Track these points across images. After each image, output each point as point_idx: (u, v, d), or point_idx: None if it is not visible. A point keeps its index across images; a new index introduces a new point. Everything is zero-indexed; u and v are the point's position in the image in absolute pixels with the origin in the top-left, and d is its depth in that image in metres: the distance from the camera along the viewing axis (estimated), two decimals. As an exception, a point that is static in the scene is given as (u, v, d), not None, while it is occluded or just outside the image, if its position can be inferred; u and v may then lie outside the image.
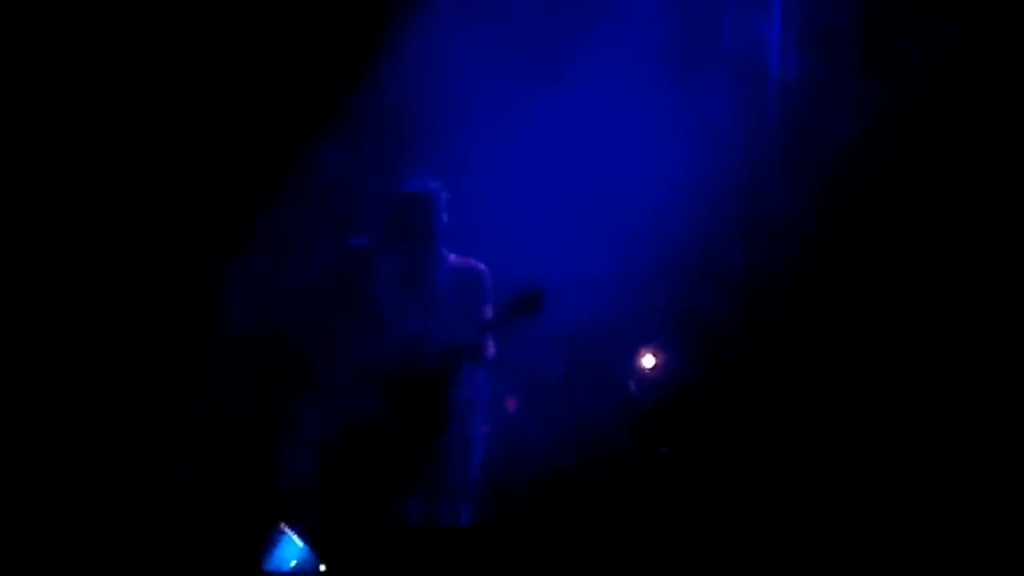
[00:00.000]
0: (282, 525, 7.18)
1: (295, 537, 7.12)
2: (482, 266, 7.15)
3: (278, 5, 8.63)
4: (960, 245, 8.52)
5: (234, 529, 7.69)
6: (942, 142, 8.54)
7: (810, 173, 8.73)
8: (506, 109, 8.68)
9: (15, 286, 8.31)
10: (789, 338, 8.72)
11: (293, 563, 7.08)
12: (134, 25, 8.47)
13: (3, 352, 8.25)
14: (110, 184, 8.48)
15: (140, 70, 8.49)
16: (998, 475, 8.14)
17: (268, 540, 7.16)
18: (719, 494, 8.46)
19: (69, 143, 8.42)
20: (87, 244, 8.46)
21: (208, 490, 8.11)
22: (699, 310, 8.85)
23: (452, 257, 7.13)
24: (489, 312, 7.04)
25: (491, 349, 7.04)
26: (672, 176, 8.69)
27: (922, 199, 8.58)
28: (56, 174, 8.40)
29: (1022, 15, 8.44)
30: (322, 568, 7.01)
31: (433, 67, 8.68)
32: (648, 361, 8.82)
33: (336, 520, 7.16)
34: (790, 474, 8.47)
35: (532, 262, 8.31)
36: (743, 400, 8.70)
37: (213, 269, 8.50)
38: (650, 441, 8.73)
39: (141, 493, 8.09)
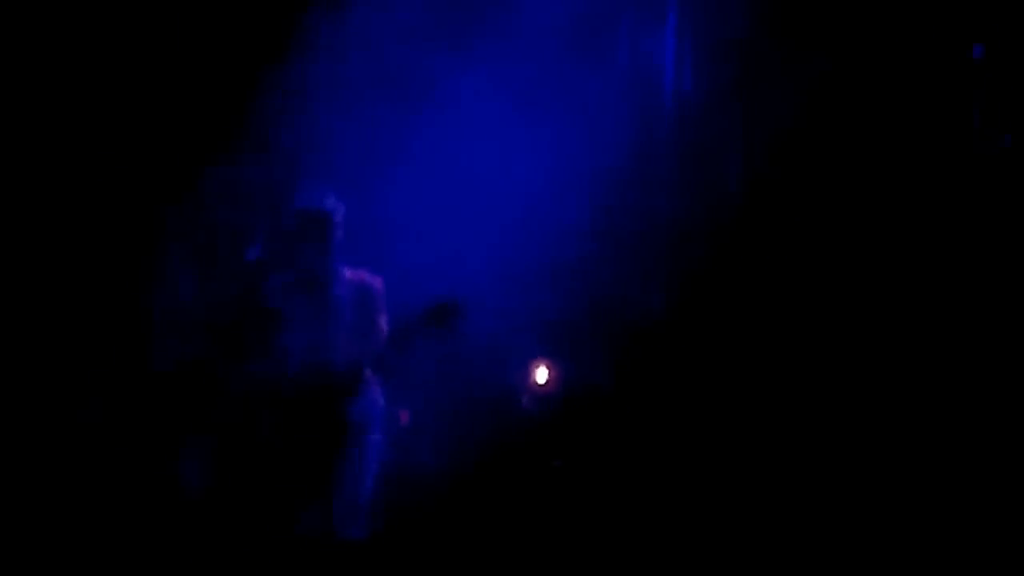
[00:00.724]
0: None
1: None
2: (376, 279, 7.13)
3: (169, 27, 8.59)
4: (846, 253, 8.65)
5: (132, 537, 7.66)
6: (829, 157, 8.67)
7: (703, 187, 8.82)
8: (401, 123, 8.68)
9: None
10: (682, 347, 8.78)
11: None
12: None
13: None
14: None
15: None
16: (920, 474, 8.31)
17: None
18: (613, 507, 8.50)
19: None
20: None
21: (106, 495, 8.04)
22: (594, 323, 8.89)
23: (347, 271, 7.11)
24: (384, 324, 7.03)
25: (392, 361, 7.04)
26: (566, 191, 8.74)
27: (811, 211, 8.69)
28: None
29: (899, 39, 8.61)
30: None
31: (329, 80, 8.69)
32: (541, 375, 8.83)
33: (233, 532, 7.10)
34: (683, 486, 8.53)
35: (426, 275, 8.35)
36: (638, 411, 8.76)
37: (122, 273, 8.44)
38: (543, 454, 8.75)
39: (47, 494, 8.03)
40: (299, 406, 6.89)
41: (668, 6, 8.87)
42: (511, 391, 8.89)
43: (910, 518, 8.07)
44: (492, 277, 8.69)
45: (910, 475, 8.19)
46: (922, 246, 8.52)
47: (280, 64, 8.59)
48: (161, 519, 7.80)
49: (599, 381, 8.81)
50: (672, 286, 8.80)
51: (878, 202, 8.63)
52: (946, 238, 8.50)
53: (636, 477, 8.57)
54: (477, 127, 8.73)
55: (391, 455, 8.22)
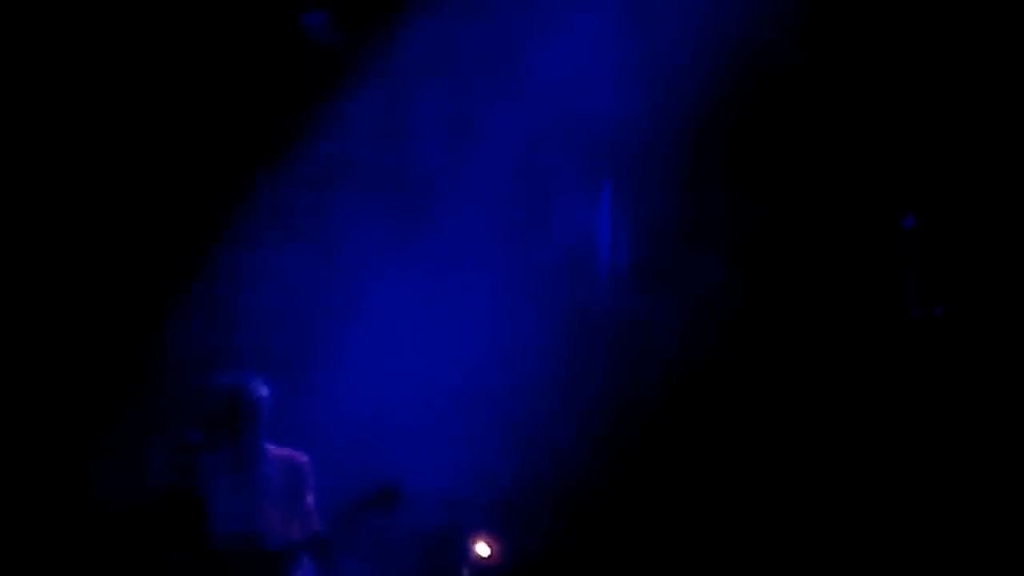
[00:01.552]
0: None
1: None
2: (304, 456, 7.14)
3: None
4: (783, 422, 8.68)
5: None
6: (765, 328, 8.73)
7: (639, 358, 8.86)
8: (345, 295, 8.76)
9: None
10: (622, 515, 8.78)
11: None
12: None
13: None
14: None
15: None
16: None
17: None
18: None
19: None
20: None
21: None
22: (534, 494, 8.88)
23: (273, 448, 7.12)
24: (312, 500, 7.03)
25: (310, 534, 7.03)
26: (505, 362, 8.79)
27: (747, 383, 8.74)
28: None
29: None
30: None
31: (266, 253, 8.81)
32: (482, 549, 8.79)
33: None
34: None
35: (364, 450, 8.39)
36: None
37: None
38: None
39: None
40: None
41: (602, 183, 8.98)
42: (453, 566, 8.85)
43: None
44: (434, 451, 8.72)
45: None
46: (858, 416, 8.57)
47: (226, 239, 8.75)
48: None
49: (541, 553, 8.80)
50: (611, 456, 8.81)
51: (815, 372, 8.68)
52: (881, 405, 8.55)
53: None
54: (415, 300, 8.82)
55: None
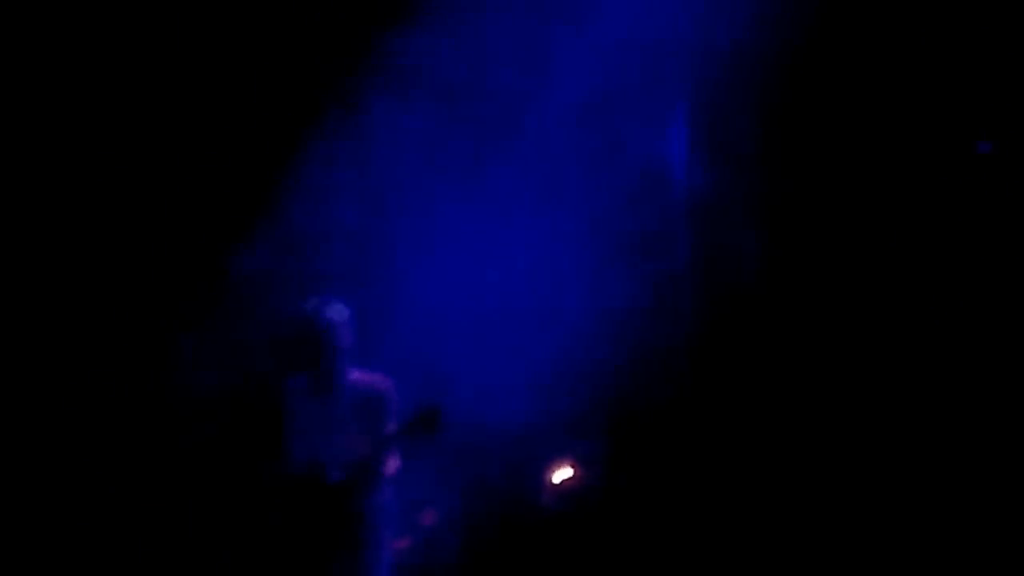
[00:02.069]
0: None
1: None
2: (387, 383, 7.12)
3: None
4: (863, 343, 8.64)
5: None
6: (841, 243, 8.68)
7: (719, 280, 8.84)
8: (424, 220, 8.76)
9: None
10: (700, 442, 8.77)
11: None
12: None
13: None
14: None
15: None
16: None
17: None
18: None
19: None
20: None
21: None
22: (613, 419, 8.89)
23: (357, 375, 7.11)
24: (391, 428, 7.04)
25: (394, 464, 7.02)
26: (584, 290, 8.77)
27: (826, 298, 8.69)
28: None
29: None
30: None
31: (351, 178, 8.80)
32: (562, 474, 8.81)
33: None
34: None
35: (446, 371, 8.42)
36: (656, 507, 8.74)
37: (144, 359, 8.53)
38: (564, 553, 8.72)
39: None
40: (306, 511, 6.92)
41: (679, 108, 8.93)
42: (532, 490, 8.89)
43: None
44: (513, 377, 8.72)
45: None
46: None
47: (301, 161, 8.74)
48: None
49: (618, 479, 8.81)
50: (689, 381, 8.80)
51: (893, 296, 8.63)
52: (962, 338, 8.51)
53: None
54: (494, 228, 8.79)
55: (414, 558, 8.26)
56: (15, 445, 8.36)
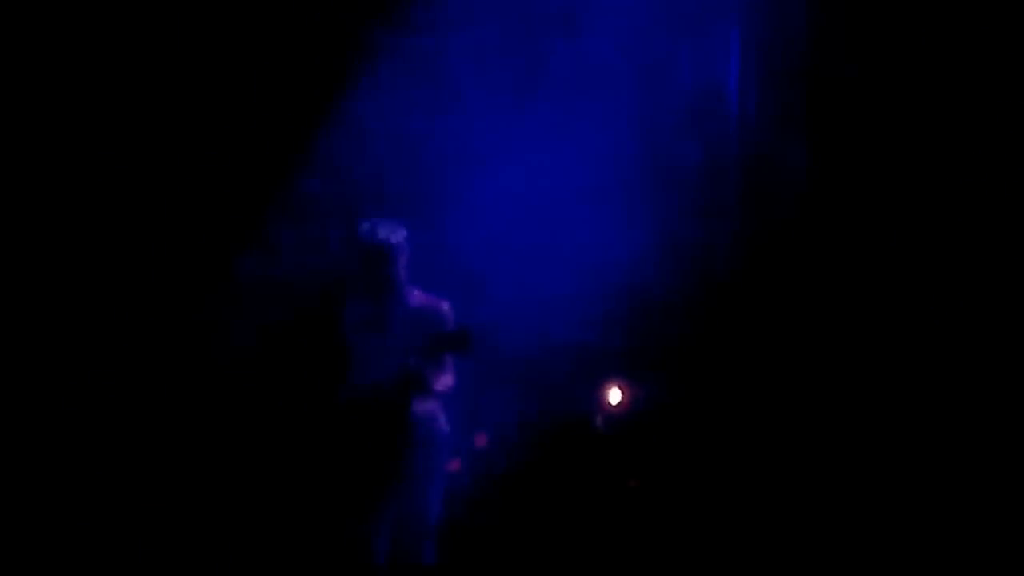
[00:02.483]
0: None
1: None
2: (444, 304, 7.16)
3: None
4: (913, 271, 8.60)
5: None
6: (894, 175, 8.62)
7: (766, 208, 8.80)
8: (477, 141, 8.74)
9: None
10: (752, 366, 8.75)
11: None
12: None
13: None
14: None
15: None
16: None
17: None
18: (689, 527, 8.48)
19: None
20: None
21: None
22: (664, 343, 8.88)
23: (416, 295, 7.15)
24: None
25: (445, 381, 7.06)
26: (634, 214, 8.75)
27: (874, 230, 8.65)
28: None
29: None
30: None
31: (398, 103, 8.79)
32: (614, 396, 8.81)
33: (301, 553, 7.17)
34: (761, 504, 8.50)
35: (500, 292, 8.43)
36: (712, 432, 8.73)
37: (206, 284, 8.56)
38: (618, 475, 8.73)
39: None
40: (363, 425, 6.98)
41: (731, 32, 8.86)
42: (585, 412, 8.89)
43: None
44: (565, 299, 8.73)
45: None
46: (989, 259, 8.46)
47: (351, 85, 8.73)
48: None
49: (671, 400, 8.81)
50: (737, 305, 8.78)
51: (944, 221, 8.57)
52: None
53: (708, 497, 8.56)
54: (545, 152, 8.77)
55: (467, 479, 8.29)
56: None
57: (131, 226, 8.51)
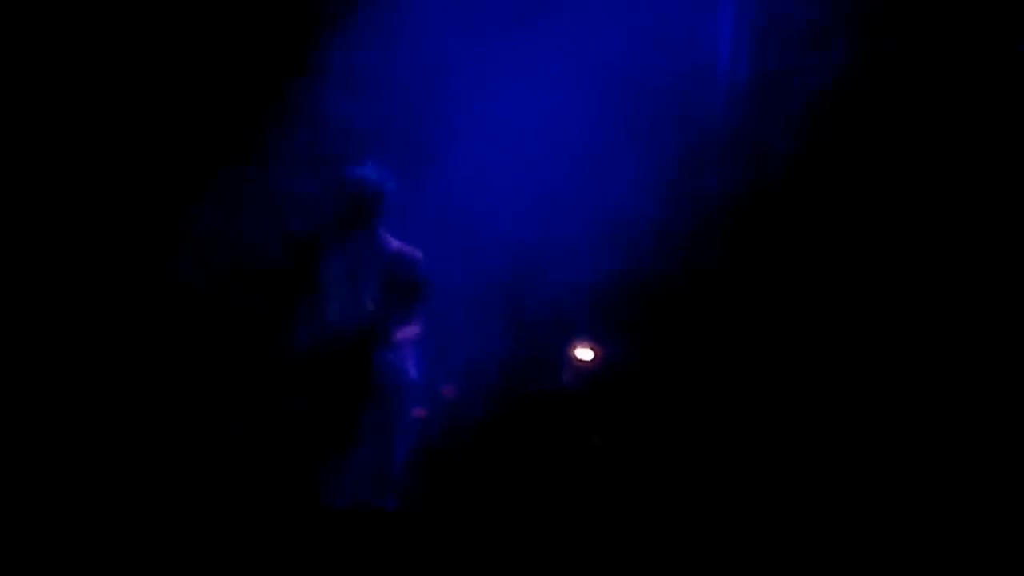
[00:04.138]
0: None
1: None
2: (417, 254, 7.13)
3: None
4: (893, 242, 8.57)
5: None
6: (879, 142, 8.59)
7: (753, 169, 8.77)
8: (464, 94, 8.68)
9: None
10: (732, 325, 8.74)
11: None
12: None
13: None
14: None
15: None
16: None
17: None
18: (652, 485, 8.49)
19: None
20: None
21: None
22: (642, 297, 8.85)
23: (393, 244, 7.12)
24: (418, 299, 7.07)
25: (411, 330, 7.04)
26: (619, 170, 8.71)
27: (857, 196, 8.61)
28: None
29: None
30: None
31: (385, 57, 8.73)
32: (584, 353, 8.80)
33: (262, 498, 7.16)
34: (723, 464, 8.50)
35: (482, 242, 8.40)
36: (682, 389, 8.73)
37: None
38: (584, 432, 8.73)
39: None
40: (326, 374, 6.95)
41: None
42: (553, 367, 8.88)
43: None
44: (540, 252, 8.72)
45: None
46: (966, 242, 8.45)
47: (338, 41, 8.67)
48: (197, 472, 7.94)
49: (640, 358, 8.80)
50: (719, 265, 8.75)
51: (927, 192, 8.55)
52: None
53: (672, 456, 8.55)
54: (535, 107, 8.71)
55: (433, 429, 8.27)
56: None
57: (109, 168, 8.49)
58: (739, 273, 8.68)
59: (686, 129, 8.82)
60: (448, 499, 8.13)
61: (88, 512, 7.82)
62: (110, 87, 8.49)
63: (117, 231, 8.46)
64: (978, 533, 7.89)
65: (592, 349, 8.79)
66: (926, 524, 8.00)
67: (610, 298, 8.77)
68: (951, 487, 8.11)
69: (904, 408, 8.33)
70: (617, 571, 7.90)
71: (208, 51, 8.55)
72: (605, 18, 8.78)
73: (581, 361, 8.79)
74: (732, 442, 8.51)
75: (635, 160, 8.70)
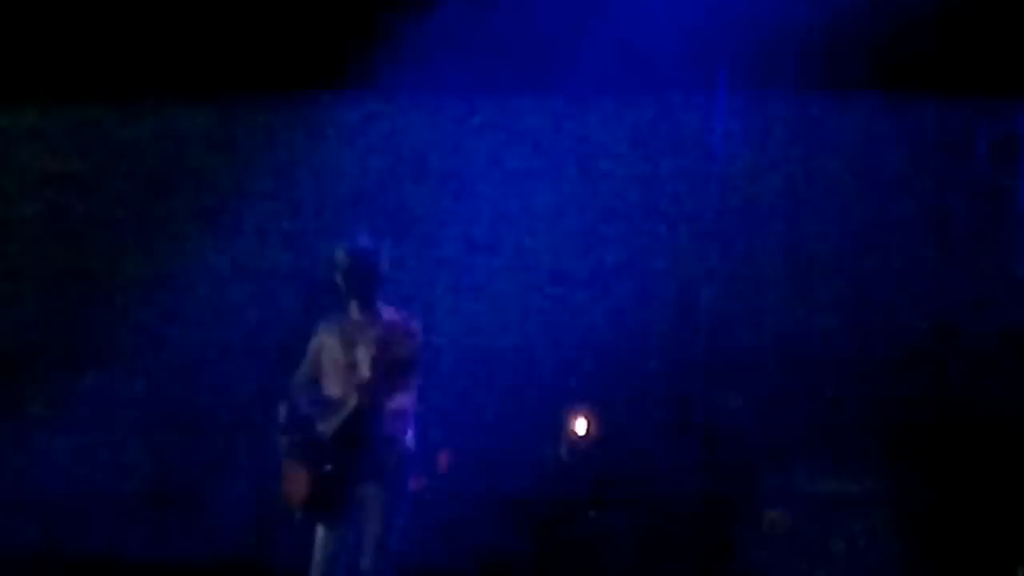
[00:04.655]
0: None
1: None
2: (414, 323, 7.15)
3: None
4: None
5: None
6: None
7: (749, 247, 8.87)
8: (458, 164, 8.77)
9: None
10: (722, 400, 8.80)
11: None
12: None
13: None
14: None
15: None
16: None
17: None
18: (649, 558, 8.52)
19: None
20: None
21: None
22: (635, 375, 8.92)
23: (390, 312, 7.16)
24: (414, 366, 7.11)
25: (407, 400, 7.09)
26: (608, 248, 8.82)
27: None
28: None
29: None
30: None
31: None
32: (579, 425, 8.83)
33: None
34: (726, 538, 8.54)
35: (470, 320, 8.45)
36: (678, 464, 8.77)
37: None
38: (579, 506, 8.75)
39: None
40: (326, 440, 7.02)
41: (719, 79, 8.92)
42: (550, 441, 8.92)
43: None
44: (539, 328, 8.78)
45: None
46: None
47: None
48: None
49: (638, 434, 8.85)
50: (712, 340, 8.82)
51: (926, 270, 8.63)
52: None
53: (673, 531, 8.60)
54: (524, 183, 8.83)
55: (430, 496, 8.31)
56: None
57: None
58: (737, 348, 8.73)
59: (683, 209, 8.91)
60: (445, 570, 8.14)
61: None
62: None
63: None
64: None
65: (587, 421, 8.83)
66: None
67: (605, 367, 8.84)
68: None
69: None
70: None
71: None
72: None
73: (577, 434, 8.83)
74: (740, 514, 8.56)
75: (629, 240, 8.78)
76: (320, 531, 6.99)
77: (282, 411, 7.08)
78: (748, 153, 8.85)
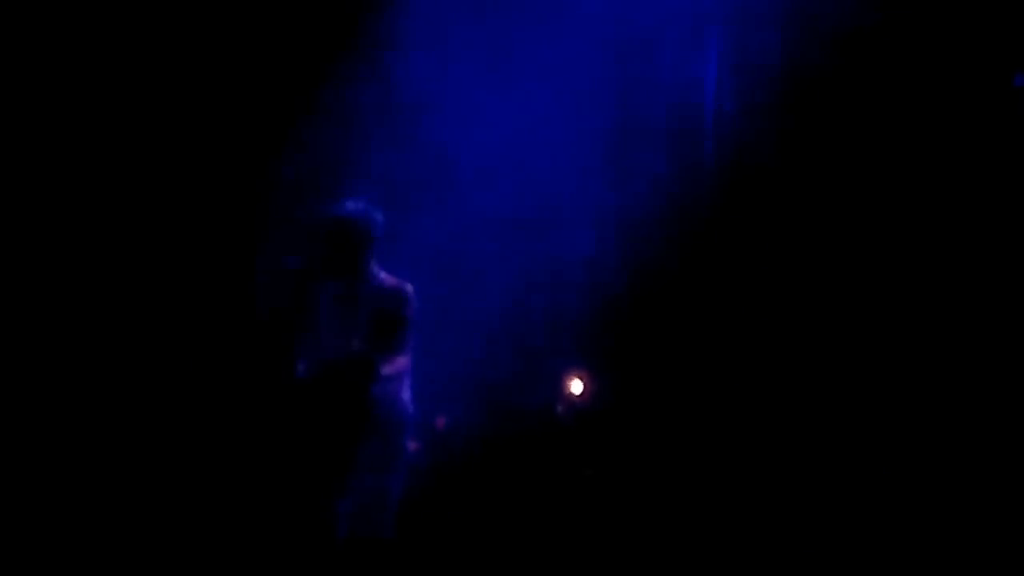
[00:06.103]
0: None
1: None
2: (407, 288, 7.12)
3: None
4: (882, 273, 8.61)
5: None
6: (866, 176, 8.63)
7: (741, 203, 8.81)
8: (444, 135, 8.72)
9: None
10: (716, 357, 8.76)
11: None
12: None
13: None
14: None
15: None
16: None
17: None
18: (642, 516, 8.50)
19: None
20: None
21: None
22: (629, 330, 8.88)
23: (382, 277, 7.12)
24: (407, 331, 7.06)
25: (402, 362, 7.05)
26: (608, 204, 8.76)
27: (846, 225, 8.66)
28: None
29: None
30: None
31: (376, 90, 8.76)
32: (576, 386, 8.82)
33: (264, 525, 7.14)
34: (713, 497, 8.51)
35: (468, 282, 8.41)
36: (669, 424, 8.74)
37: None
38: (575, 464, 8.74)
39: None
40: (324, 406, 6.96)
41: (711, 31, 8.85)
42: (547, 400, 8.90)
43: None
44: (533, 287, 8.74)
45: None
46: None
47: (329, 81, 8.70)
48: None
49: (631, 393, 8.82)
50: (707, 299, 8.79)
51: (919, 220, 8.59)
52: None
53: (663, 488, 8.57)
54: (522, 139, 8.76)
55: (426, 460, 8.28)
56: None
57: (111, 210, 8.51)
58: (729, 283, 8.70)
59: (674, 165, 8.86)
60: (443, 530, 8.13)
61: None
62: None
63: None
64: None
65: (584, 382, 8.81)
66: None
67: (602, 324, 8.80)
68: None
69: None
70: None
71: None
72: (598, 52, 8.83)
73: (573, 394, 8.82)
74: (723, 469, 8.52)
75: (627, 176, 8.74)
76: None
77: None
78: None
